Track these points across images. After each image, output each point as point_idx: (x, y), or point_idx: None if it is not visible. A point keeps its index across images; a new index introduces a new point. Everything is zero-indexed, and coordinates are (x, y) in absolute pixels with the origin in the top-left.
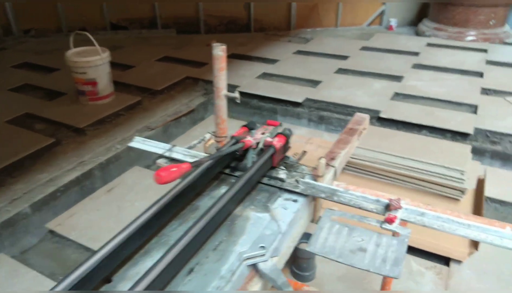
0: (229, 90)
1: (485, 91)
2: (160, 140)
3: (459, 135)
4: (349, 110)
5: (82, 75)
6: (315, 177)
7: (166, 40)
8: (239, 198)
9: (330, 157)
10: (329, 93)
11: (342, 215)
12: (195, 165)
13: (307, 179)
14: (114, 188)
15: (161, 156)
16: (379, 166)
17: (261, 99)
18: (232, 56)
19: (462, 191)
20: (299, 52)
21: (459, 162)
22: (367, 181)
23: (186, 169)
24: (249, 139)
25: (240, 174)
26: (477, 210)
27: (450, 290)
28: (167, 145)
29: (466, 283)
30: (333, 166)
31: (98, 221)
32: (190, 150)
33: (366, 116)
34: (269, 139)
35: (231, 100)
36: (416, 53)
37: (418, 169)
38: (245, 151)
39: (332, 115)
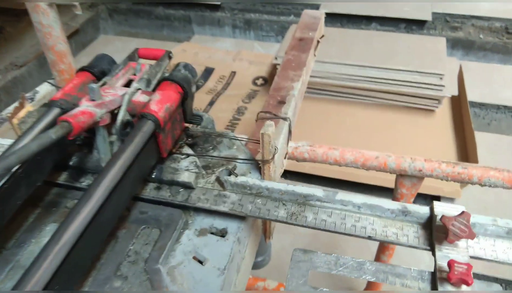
0: None
1: None
2: (36, 79)
3: (415, 24)
4: (281, 8)
5: None
6: (260, 164)
7: None
8: (87, 258)
9: (278, 99)
10: None
11: (333, 260)
12: None
13: (241, 177)
14: None
15: None
16: (335, 81)
17: (167, 5)
18: None
19: (439, 100)
20: None
21: (434, 62)
22: (322, 102)
23: None
24: (88, 108)
25: (89, 184)
26: (459, 121)
27: None
28: None
29: None
30: (284, 118)
31: None
32: None
33: (320, 15)
34: (141, 97)
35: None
36: None
37: (384, 79)
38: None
39: (261, 17)
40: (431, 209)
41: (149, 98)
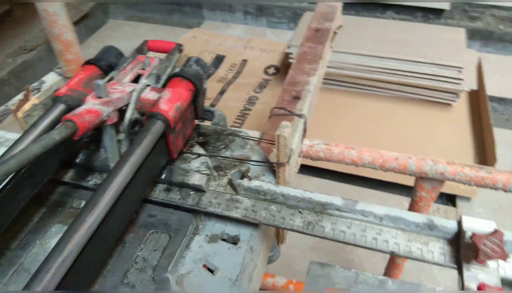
0: None
1: None
2: (46, 64)
3: (432, 13)
4: None
5: None
6: (274, 166)
7: None
8: (94, 265)
9: (293, 95)
10: None
11: (352, 277)
12: None
13: (255, 181)
14: None
15: None
16: (349, 72)
17: None
18: None
19: (457, 94)
20: None
21: (452, 54)
22: (335, 93)
23: None
24: (95, 107)
25: (95, 183)
26: (477, 116)
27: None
28: None
29: None
30: (299, 115)
31: None
32: None
33: (337, 4)
34: (150, 95)
35: None
36: None
37: (401, 71)
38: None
39: (273, 3)
40: (459, 224)
41: (158, 96)
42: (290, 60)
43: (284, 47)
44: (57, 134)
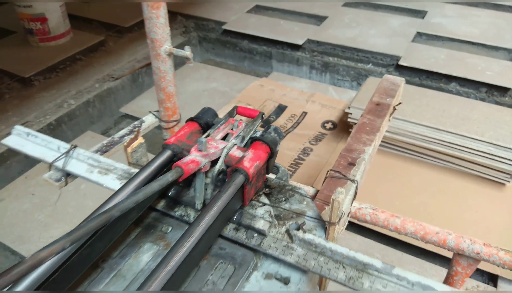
0: (212, 28)
1: None
2: (128, 93)
3: (497, 90)
4: (360, 55)
5: (27, 10)
6: (326, 224)
7: None
8: (182, 280)
9: (348, 161)
10: (336, 33)
11: None
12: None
13: (308, 235)
14: None
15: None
16: (405, 138)
17: (252, 40)
18: None
19: (511, 175)
20: None
21: (511, 136)
22: (388, 156)
23: None
24: (197, 158)
25: (181, 214)
26: None
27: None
28: (64, 145)
29: None
30: (352, 180)
31: (31, 212)
32: (101, 158)
33: (400, 82)
34: (236, 152)
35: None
36: None
37: (457, 145)
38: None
39: (339, 62)
40: None
41: (242, 155)
42: (349, 120)
43: (344, 105)
44: (170, 177)
